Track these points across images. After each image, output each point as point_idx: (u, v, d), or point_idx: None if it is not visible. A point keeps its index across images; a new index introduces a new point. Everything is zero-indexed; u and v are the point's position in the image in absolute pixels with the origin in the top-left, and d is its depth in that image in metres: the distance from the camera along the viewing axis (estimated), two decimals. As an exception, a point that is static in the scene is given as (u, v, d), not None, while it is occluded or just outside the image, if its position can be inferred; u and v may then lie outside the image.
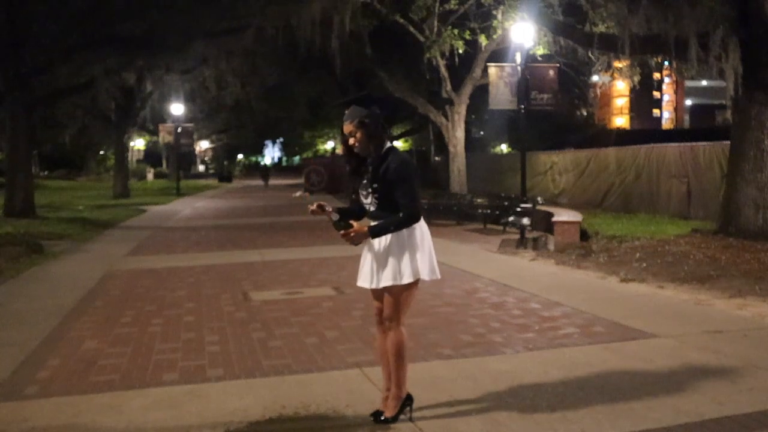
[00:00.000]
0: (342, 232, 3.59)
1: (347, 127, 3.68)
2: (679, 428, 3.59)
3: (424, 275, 3.65)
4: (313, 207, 3.69)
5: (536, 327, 5.80)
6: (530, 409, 3.87)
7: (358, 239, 3.59)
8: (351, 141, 3.67)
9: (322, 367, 4.75)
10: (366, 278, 3.73)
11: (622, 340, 5.33)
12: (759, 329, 5.61)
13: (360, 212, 3.81)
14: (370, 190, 3.67)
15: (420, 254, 3.63)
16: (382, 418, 3.70)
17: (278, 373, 4.65)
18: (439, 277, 3.76)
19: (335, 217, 3.63)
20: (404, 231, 3.61)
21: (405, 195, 3.57)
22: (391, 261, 3.60)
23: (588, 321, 5.97)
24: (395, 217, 3.58)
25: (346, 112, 3.70)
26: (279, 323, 6.13)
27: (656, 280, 7.90)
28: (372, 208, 3.70)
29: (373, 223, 3.63)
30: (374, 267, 3.67)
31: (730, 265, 8.46)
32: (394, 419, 3.69)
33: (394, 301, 3.64)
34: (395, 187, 3.57)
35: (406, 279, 3.59)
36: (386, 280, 3.61)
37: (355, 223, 3.60)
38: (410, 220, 3.60)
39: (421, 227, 3.69)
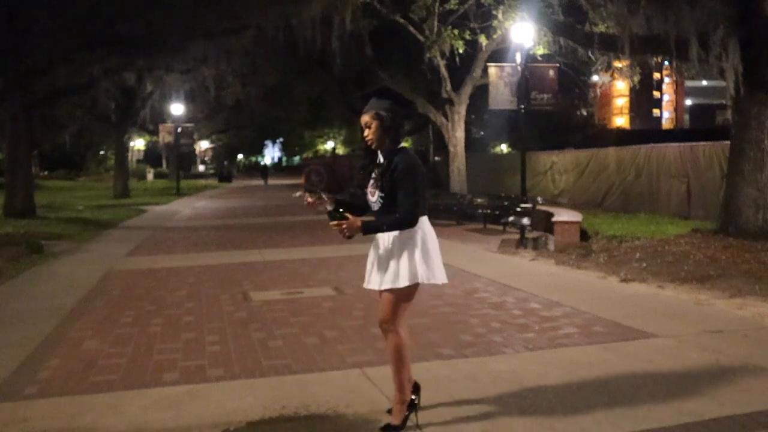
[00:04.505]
0: (335, 223, 3.49)
1: (364, 118, 3.63)
2: (679, 428, 3.58)
3: (424, 279, 3.55)
4: (310, 200, 3.58)
5: (536, 327, 5.80)
6: (530, 409, 3.87)
7: (350, 232, 3.50)
8: (365, 133, 3.62)
9: (322, 367, 4.74)
10: (373, 281, 3.66)
11: (622, 340, 5.32)
12: (759, 329, 5.61)
13: (361, 208, 3.70)
14: (377, 188, 3.60)
15: (420, 257, 3.54)
16: (389, 425, 3.59)
17: (278, 373, 4.65)
18: (441, 281, 3.64)
19: (330, 207, 3.53)
20: (405, 233, 3.54)
21: (405, 198, 3.49)
22: (391, 264, 3.55)
23: (588, 321, 5.97)
24: (390, 217, 3.52)
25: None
26: (279, 323, 6.13)
27: (656, 280, 7.90)
28: (376, 207, 3.62)
29: (367, 219, 3.56)
30: (376, 269, 3.63)
31: (730, 265, 8.45)
32: (403, 425, 3.60)
33: (391, 303, 3.57)
34: (398, 188, 3.50)
35: (404, 282, 3.51)
36: (386, 283, 3.56)
37: (350, 216, 3.51)
38: (404, 224, 3.51)
39: (424, 230, 3.60)
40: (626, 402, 3.94)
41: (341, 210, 3.51)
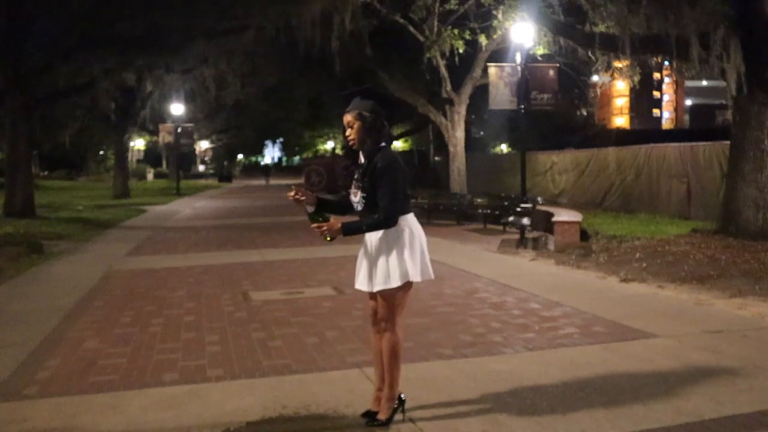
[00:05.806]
0: (314, 225, 3.52)
1: (346, 118, 3.62)
2: (679, 428, 3.58)
3: (415, 277, 3.58)
4: (293, 194, 3.58)
5: (536, 327, 5.80)
6: (530, 409, 3.87)
7: (330, 234, 3.51)
8: (347, 132, 3.62)
9: (322, 367, 4.75)
10: (361, 281, 3.70)
11: (622, 340, 5.32)
12: (759, 329, 5.61)
13: (346, 208, 3.73)
14: (359, 188, 3.61)
15: (409, 256, 3.56)
16: (376, 420, 3.66)
17: (278, 373, 4.65)
18: (432, 277, 3.72)
19: (310, 209, 3.52)
20: (392, 233, 3.55)
21: (384, 196, 3.49)
22: (380, 264, 3.56)
23: (588, 321, 5.97)
24: (370, 218, 3.53)
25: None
26: (279, 323, 6.13)
27: (656, 280, 7.90)
28: (359, 208, 3.63)
29: (347, 221, 3.56)
30: (367, 270, 3.64)
31: (730, 265, 8.45)
32: (389, 421, 3.65)
33: (387, 303, 3.60)
34: (377, 187, 3.51)
35: (395, 282, 3.53)
36: (378, 284, 3.57)
37: (331, 218, 3.52)
38: (385, 223, 3.51)
39: (411, 228, 3.61)
40: (626, 402, 3.94)
41: (322, 212, 3.52)
